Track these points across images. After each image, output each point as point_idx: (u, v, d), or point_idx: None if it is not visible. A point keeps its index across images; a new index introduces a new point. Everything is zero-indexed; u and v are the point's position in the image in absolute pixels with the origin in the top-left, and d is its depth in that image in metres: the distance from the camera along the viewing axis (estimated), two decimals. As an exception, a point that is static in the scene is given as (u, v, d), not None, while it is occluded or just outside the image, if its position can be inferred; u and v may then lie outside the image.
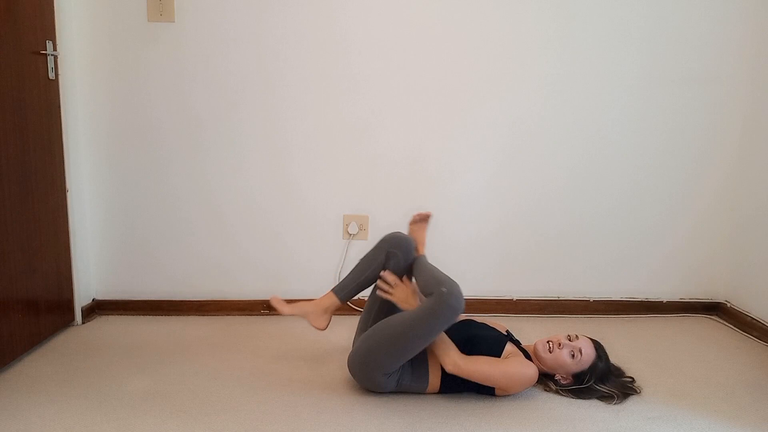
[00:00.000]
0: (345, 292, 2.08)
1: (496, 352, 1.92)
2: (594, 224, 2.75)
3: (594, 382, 1.92)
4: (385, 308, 2.03)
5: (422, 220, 2.17)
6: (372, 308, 2.08)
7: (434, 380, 1.92)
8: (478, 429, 1.76)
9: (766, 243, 2.57)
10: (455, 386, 1.93)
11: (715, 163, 2.73)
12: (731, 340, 2.53)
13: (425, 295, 1.84)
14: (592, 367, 1.92)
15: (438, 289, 1.76)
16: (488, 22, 2.56)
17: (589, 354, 1.92)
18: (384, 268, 2.06)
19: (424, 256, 2.07)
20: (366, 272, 2.06)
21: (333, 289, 2.09)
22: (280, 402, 1.90)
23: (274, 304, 2.05)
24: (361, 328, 2.10)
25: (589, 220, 2.74)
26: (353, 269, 2.09)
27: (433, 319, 1.75)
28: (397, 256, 2.04)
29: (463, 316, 2.09)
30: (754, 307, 2.61)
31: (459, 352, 1.84)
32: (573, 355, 1.91)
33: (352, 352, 1.93)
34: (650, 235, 2.77)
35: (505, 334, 2.03)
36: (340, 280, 2.07)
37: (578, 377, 1.93)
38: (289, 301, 2.29)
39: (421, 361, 1.92)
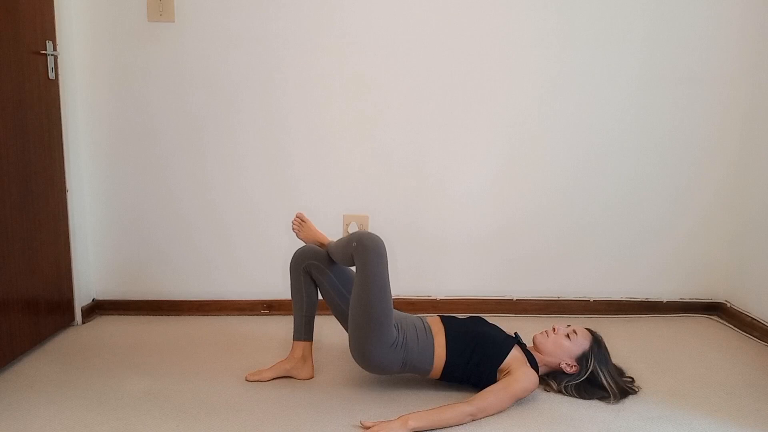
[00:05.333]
0: (303, 332, 2.08)
1: (502, 353, 1.93)
2: (594, 224, 2.75)
3: (596, 363, 1.92)
4: (337, 291, 2.07)
5: (301, 224, 2.19)
6: (333, 298, 2.09)
7: (438, 362, 1.92)
8: (478, 429, 1.76)
9: (766, 243, 2.57)
10: (457, 374, 1.94)
11: (715, 162, 2.73)
12: (731, 340, 2.52)
13: (350, 263, 1.92)
14: (592, 346, 1.94)
15: (351, 249, 1.86)
16: (489, 22, 2.56)
17: (584, 333, 1.98)
18: (315, 285, 2.08)
19: (331, 243, 2.08)
20: (303, 301, 2.07)
21: (294, 339, 2.09)
22: (280, 402, 1.90)
23: (254, 378, 2.04)
24: (342, 319, 2.11)
25: (590, 220, 2.74)
26: (293, 308, 2.10)
27: (371, 269, 1.83)
28: (314, 264, 2.06)
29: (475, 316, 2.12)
30: (755, 307, 2.61)
31: (463, 403, 1.80)
32: (569, 336, 1.96)
33: (350, 345, 1.93)
34: (650, 235, 2.77)
35: (513, 336, 2.03)
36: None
37: (581, 360, 1.94)
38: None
39: (427, 341, 1.93)
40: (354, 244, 1.85)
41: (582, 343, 1.95)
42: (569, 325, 2.01)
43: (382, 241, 1.86)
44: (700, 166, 2.72)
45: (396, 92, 2.60)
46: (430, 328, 1.98)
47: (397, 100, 2.60)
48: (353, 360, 2.22)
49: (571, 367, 1.95)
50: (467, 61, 2.59)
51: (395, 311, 1.98)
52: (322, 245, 2.12)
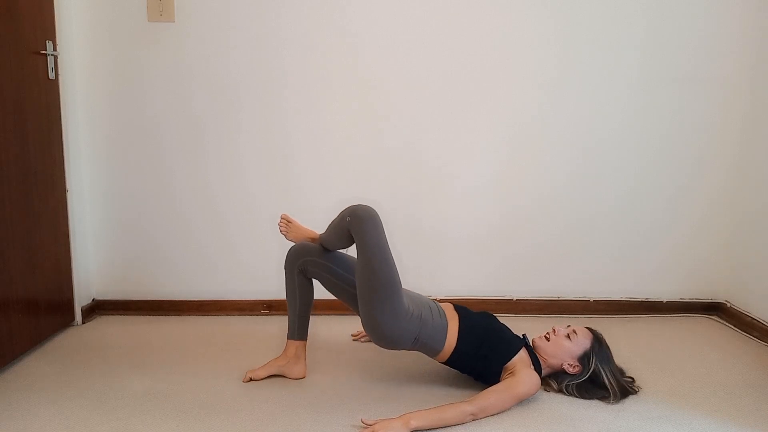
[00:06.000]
0: (297, 331, 2.08)
1: (510, 351, 1.93)
2: (594, 224, 2.75)
3: (598, 362, 1.92)
4: (343, 276, 2.05)
5: (288, 225, 2.18)
6: (338, 285, 2.06)
7: (448, 346, 1.93)
8: (478, 429, 1.76)
9: (766, 243, 2.57)
10: (463, 362, 1.95)
11: (715, 163, 2.72)
12: (731, 340, 2.52)
13: (347, 242, 1.92)
14: (593, 345, 1.94)
15: (346, 224, 1.86)
16: (489, 22, 2.56)
17: (584, 332, 1.97)
18: (310, 284, 2.08)
19: (322, 234, 2.07)
20: (297, 300, 2.07)
21: (288, 337, 2.09)
22: (279, 402, 1.90)
23: (249, 375, 2.04)
24: (352, 303, 2.07)
25: (589, 220, 2.74)
26: (288, 308, 2.09)
27: (370, 238, 1.83)
28: (309, 260, 2.04)
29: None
30: (754, 307, 2.61)
31: (464, 403, 1.80)
32: (569, 336, 1.95)
33: (363, 324, 1.93)
34: (650, 235, 2.77)
35: (521, 337, 2.03)
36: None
37: (583, 360, 1.93)
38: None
39: (441, 322, 1.94)
40: (348, 218, 1.85)
41: (583, 343, 1.95)
42: (569, 326, 2.01)
43: (374, 210, 1.86)
44: (701, 166, 2.72)
45: (396, 91, 2.60)
46: (444, 311, 1.99)
47: (397, 99, 2.60)
48: (352, 359, 2.23)
49: (574, 367, 1.95)
50: (467, 61, 2.59)
51: (408, 291, 1.99)
52: (313, 240, 2.12)
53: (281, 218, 2.19)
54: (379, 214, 1.87)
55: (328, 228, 2.00)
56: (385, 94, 2.60)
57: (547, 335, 1.99)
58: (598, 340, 1.96)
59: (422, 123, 2.63)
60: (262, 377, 2.05)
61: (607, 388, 1.92)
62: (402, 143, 2.64)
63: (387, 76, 2.59)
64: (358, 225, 1.83)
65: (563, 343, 1.95)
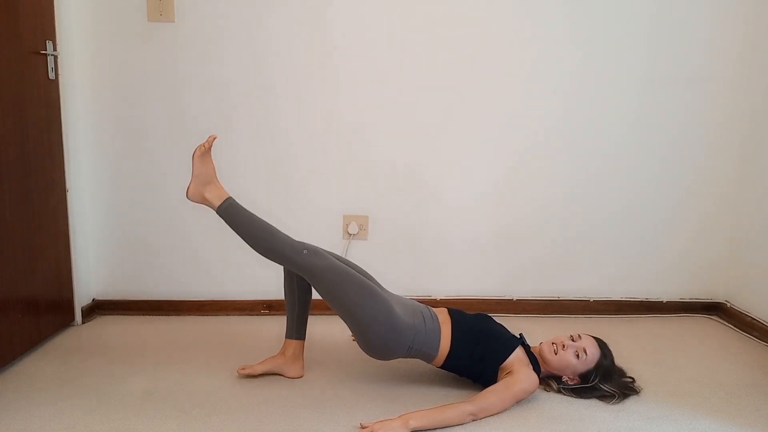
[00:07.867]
0: (295, 331, 2.07)
1: (506, 351, 1.93)
2: (594, 225, 2.75)
3: (599, 381, 1.92)
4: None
5: (204, 154, 1.92)
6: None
7: (443, 351, 1.92)
8: (479, 429, 1.76)
9: (766, 243, 2.57)
10: (459, 365, 1.95)
11: (716, 163, 2.72)
12: (731, 340, 2.52)
13: (271, 255, 1.91)
14: (598, 366, 1.93)
15: (301, 256, 1.88)
16: (491, 24, 2.56)
17: (593, 353, 1.93)
18: (309, 285, 2.07)
19: (231, 204, 1.95)
20: (295, 302, 2.06)
21: (286, 336, 2.09)
22: (279, 402, 1.90)
23: (245, 372, 2.04)
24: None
25: (590, 221, 2.74)
26: (286, 307, 2.09)
27: (318, 265, 1.88)
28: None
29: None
30: (755, 307, 2.61)
31: (464, 403, 1.80)
32: (578, 355, 1.92)
33: (356, 337, 1.94)
34: (651, 236, 2.77)
35: (518, 337, 2.03)
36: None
37: (584, 377, 1.93)
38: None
39: (435, 328, 1.93)
40: (305, 251, 1.88)
41: (589, 363, 1.92)
42: (580, 336, 1.96)
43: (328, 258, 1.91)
44: (702, 167, 2.72)
45: (398, 93, 2.59)
46: (436, 316, 1.99)
47: (398, 100, 2.60)
48: (351, 359, 2.23)
49: (573, 380, 1.95)
50: (470, 63, 2.58)
51: (399, 297, 2.00)
52: (219, 195, 1.95)
53: (208, 140, 1.90)
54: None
55: (250, 219, 1.94)
56: (387, 95, 2.59)
57: (555, 347, 1.95)
58: (604, 357, 1.94)
59: (424, 125, 2.62)
60: (259, 373, 2.05)
61: (606, 394, 1.93)
62: (404, 145, 2.63)
63: (389, 77, 2.58)
64: (310, 260, 1.87)
65: (570, 360, 1.92)
